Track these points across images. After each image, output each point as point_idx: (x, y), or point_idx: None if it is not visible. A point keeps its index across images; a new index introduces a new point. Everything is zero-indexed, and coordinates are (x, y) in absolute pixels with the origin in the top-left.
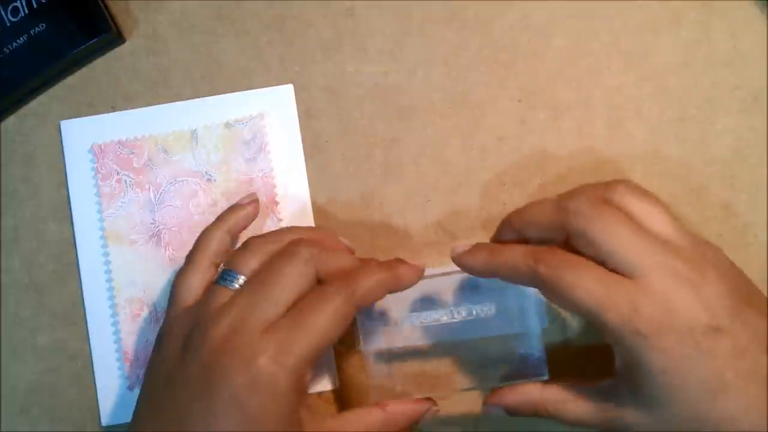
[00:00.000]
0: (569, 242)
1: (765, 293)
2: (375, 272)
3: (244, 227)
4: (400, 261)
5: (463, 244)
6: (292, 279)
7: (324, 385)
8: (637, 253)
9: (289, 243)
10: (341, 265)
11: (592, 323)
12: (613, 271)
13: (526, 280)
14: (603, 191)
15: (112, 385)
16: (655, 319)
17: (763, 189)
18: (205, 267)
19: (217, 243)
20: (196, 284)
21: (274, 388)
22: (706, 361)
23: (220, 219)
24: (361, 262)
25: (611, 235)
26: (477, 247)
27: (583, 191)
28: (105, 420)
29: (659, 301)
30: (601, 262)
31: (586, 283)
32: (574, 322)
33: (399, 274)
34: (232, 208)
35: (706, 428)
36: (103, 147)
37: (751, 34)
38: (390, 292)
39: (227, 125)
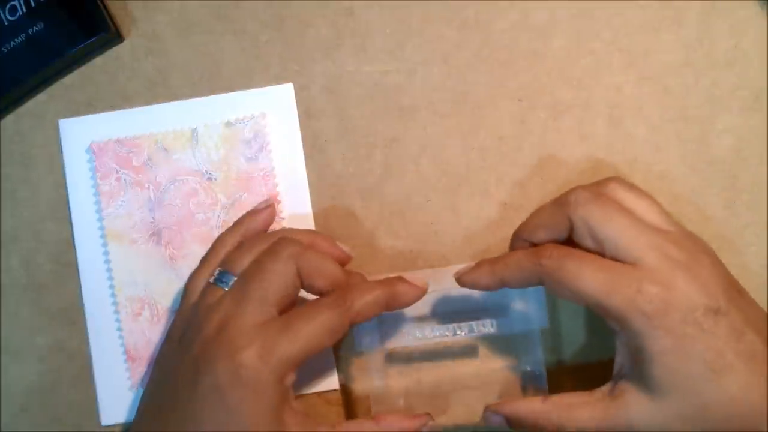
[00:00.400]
0: (571, 239)
1: (767, 293)
2: (373, 289)
3: (260, 232)
4: (400, 279)
5: (464, 266)
6: (273, 275)
7: (324, 385)
8: (636, 239)
9: (274, 242)
10: (323, 266)
11: (597, 311)
12: (613, 259)
13: (533, 278)
14: (597, 187)
15: (112, 385)
16: (659, 299)
17: (764, 189)
18: (215, 269)
19: (229, 247)
20: (203, 285)
21: (256, 383)
22: (708, 342)
23: (235, 224)
24: (348, 274)
25: (611, 222)
26: (478, 263)
27: (580, 187)
28: (105, 420)
29: (661, 283)
30: (601, 254)
31: (589, 271)
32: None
33: (399, 292)
34: (248, 214)
35: (708, 412)
36: (101, 146)
37: (752, 33)
38: (388, 310)
39: (228, 124)
